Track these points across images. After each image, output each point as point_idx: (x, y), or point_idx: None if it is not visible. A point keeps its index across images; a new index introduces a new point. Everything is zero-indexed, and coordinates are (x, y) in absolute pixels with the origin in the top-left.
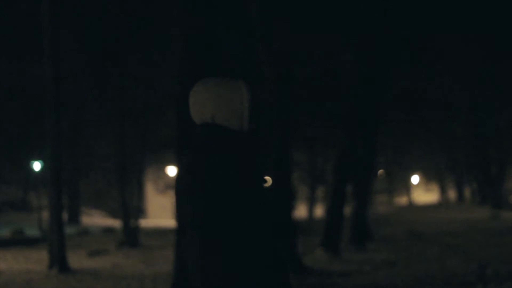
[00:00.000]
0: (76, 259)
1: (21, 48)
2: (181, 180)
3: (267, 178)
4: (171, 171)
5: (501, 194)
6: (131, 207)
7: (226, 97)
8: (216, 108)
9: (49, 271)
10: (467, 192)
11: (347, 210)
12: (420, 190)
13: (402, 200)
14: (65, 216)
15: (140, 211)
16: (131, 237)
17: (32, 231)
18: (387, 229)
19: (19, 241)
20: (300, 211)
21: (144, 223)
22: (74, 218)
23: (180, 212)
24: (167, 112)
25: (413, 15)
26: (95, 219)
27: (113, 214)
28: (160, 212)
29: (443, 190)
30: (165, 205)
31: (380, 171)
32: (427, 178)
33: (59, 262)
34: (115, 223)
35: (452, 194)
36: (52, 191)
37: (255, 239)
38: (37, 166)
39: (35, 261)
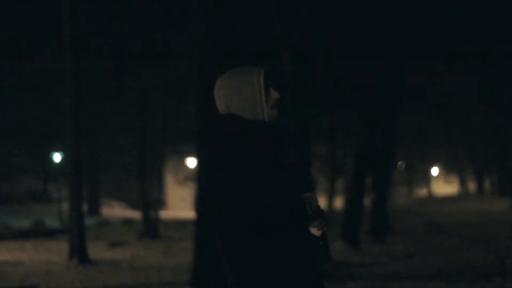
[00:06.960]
0: (96, 250)
1: (41, 39)
2: (202, 171)
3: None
4: (191, 162)
5: None
6: (151, 199)
7: (236, 86)
8: (228, 98)
9: (69, 262)
10: (487, 184)
11: (367, 201)
12: (440, 182)
13: (421, 192)
14: (85, 207)
15: (160, 203)
16: (151, 228)
17: (52, 222)
18: (407, 221)
19: (39, 232)
20: (320, 203)
21: (164, 214)
22: (94, 209)
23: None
24: (187, 103)
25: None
26: (115, 211)
27: (133, 206)
28: (180, 203)
29: (462, 182)
30: (185, 196)
31: (400, 163)
32: (446, 170)
33: (79, 253)
34: (135, 214)
35: (471, 186)
36: (72, 182)
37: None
38: (57, 157)
39: (55, 252)
